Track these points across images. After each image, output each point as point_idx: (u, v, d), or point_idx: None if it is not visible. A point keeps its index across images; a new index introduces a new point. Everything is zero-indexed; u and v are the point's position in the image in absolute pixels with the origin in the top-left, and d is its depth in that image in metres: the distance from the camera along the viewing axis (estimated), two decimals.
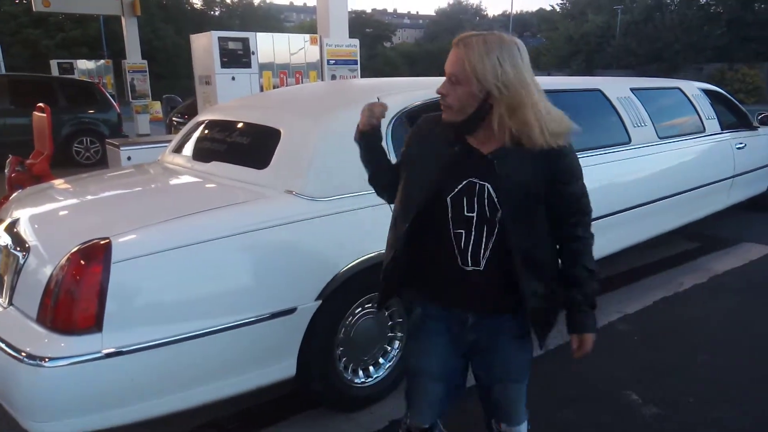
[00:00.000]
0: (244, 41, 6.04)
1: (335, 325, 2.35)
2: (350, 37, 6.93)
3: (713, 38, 30.68)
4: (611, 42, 36.27)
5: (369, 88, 3.14)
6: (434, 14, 75.37)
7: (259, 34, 6.21)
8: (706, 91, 4.91)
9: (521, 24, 63.35)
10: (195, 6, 41.70)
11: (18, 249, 2.14)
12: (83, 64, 16.28)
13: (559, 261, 1.52)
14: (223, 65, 5.89)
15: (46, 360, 1.75)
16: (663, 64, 31.43)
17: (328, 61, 6.67)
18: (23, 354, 1.78)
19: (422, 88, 2.79)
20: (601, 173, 3.28)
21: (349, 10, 7.13)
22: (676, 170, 4.06)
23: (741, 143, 4.84)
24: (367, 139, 1.58)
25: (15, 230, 2.29)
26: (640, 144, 3.78)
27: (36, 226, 2.30)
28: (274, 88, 6.27)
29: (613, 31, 36.31)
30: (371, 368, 2.55)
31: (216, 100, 5.77)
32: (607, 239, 3.22)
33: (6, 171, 4.83)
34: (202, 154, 2.94)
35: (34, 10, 11.58)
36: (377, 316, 2.51)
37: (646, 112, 3.96)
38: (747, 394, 2.63)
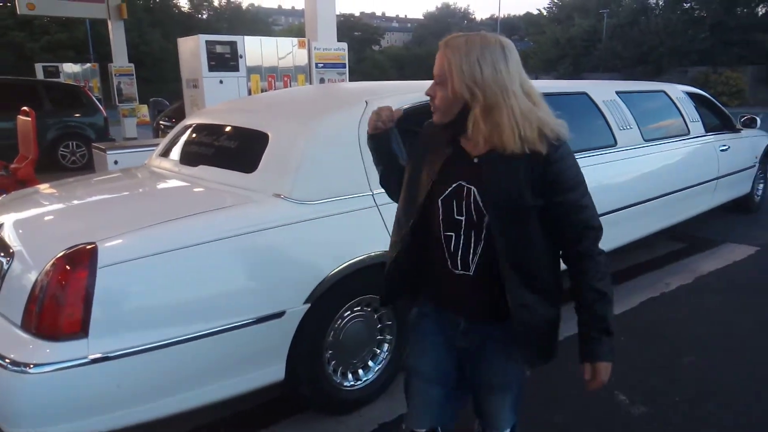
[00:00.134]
0: (232, 45, 6.02)
1: (324, 329, 2.35)
2: (338, 40, 6.94)
3: (697, 42, 31.12)
4: (597, 45, 36.67)
5: (357, 92, 3.15)
6: (422, 18, 75.79)
7: (247, 38, 6.20)
8: (690, 94, 4.98)
9: (509, 27, 63.77)
10: (182, 9, 41.56)
11: (2, 254, 2.12)
12: (69, 68, 16.14)
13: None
14: (211, 69, 5.87)
15: (31, 366, 1.74)
16: (648, 67, 31.82)
17: (316, 64, 6.67)
18: (7, 360, 1.76)
19: (411, 92, 2.80)
20: (588, 176, 3.27)
21: (338, 13, 7.16)
22: (661, 172, 4.10)
23: (724, 145, 4.91)
24: (376, 142, 1.60)
25: None
26: (626, 146, 3.82)
27: (20, 231, 2.27)
28: (262, 91, 6.26)
29: (599, 35, 36.71)
30: (360, 371, 2.55)
31: (203, 104, 5.75)
32: None
33: None
34: (189, 157, 2.93)
35: (18, 13, 11.44)
36: (366, 319, 2.52)
37: (632, 115, 4.01)
38: (732, 392, 2.66)
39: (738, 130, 5.32)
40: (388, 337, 2.61)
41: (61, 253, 1.84)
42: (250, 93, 6.16)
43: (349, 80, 7.11)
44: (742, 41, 30.05)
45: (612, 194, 3.61)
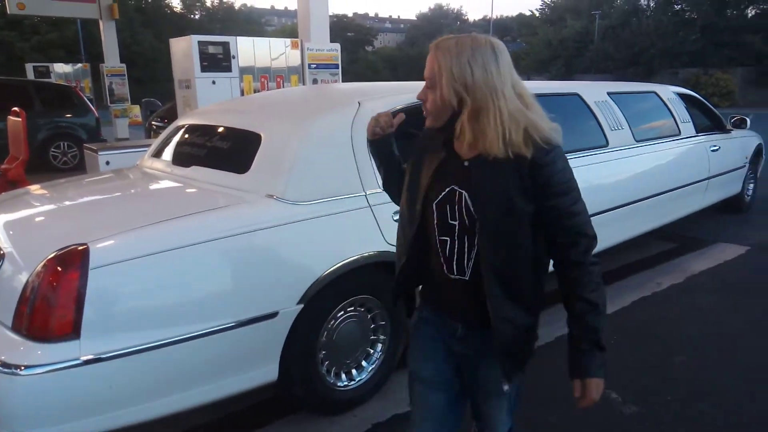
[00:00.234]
0: (225, 45, 6.00)
1: (317, 329, 2.35)
2: (331, 41, 6.93)
3: (688, 43, 31.38)
4: (589, 47, 36.88)
5: (350, 93, 3.15)
6: (415, 18, 75.87)
7: (240, 38, 6.18)
8: (681, 95, 5.01)
9: (502, 28, 63.98)
10: (175, 9, 41.38)
11: None
12: (60, 68, 16.01)
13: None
14: (203, 69, 5.84)
15: (22, 368, 1.72)
16: (640, 68, 32.06)
17: (309, 65, 6.66)
18: None
19: (404, 93, 2.81)
20: (580, 176, 3.30)
21: (331, 14, 7.14)
22: (652, 172, 4.13)
23: (715, 146, 4.95)
24: (375, 147, 1.61)
25: None
26: (618, 147, 3.85)
27: (11, 232, 2.26)
28: (254, 92, 6.25)
29: (591, 36, 36.92)
30: (354, 371, 2.55)
31: (196, 105, 5.73)
32: None
33: None
34: (182, 158, 2.92)
35: (8, 12, 11.35)
36: (359, 320, 2.52)
37: (623, 116, 4.03)
38: (723, 391, 2.68)
39: (728, 131, 5.37)
40: (382, 337, 2.61)
41: (52, 255, 1.83)
42: (242, 94, 6.15)
43: (342, 81, 7.11)
44: (732, 43, 30.34)
45: (604, 194, 3.63)
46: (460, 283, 1.40)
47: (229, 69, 6.03)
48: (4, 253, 2.07)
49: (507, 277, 1.33)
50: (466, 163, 1.36)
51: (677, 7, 34.67)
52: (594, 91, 4.01)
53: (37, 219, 2.52)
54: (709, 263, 4.48)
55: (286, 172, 2.32)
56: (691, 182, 4.57)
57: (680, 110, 4.76)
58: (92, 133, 9.64)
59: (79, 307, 1.77)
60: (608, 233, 3.72)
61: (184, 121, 3.27)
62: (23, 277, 1.86)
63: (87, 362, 1.78)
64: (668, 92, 4.85)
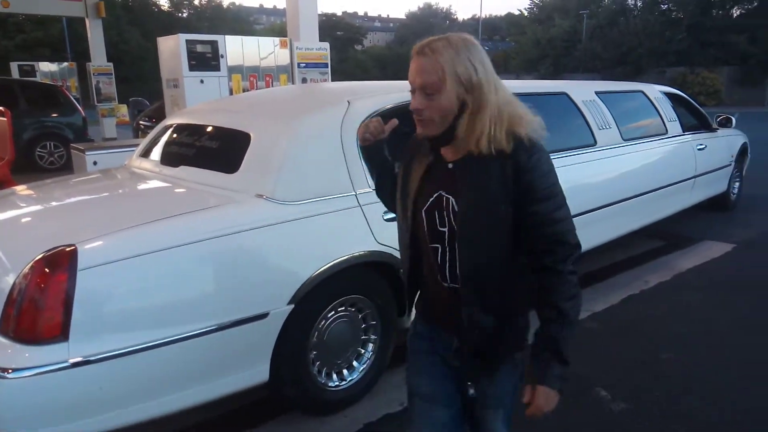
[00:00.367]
0: (213, 44, 5.97)
1: (308, 329, 2.34)
2: (321, 40, 6.92)
3: (674, 43, 31.72)
4: (578, 46, 37.15)
5: (339, 92, 3.14)
6: (405, 17, 75.86)
7: (228, 37, 6.16)
8: (668, 94, 5.07)
9: (491, 28, 64.25)
10: (162, 8, 41.05)
11: None
12: (46, 67, 15.86)
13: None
14: (191, 68, 5.81)
15: (10, 371, 1.71)
16: (627, 67, 32.36)
17: (298, 64, 6.64)
18: None
19: (394, 92, 2.81)
20: (568, 175, 3.35)
21: (320, 12, 7.13)
22: (640, 171, 4.17)
23: (701, 145, 5.01)
24: (367, 152, 1.58)
25: None
26: (605, 146, 3.88)
27: None
28: (243, 91, 6.22)
29: (579, 36, 37.18)
30: (345, 371, 2.55)
31: (184, 104, 5.70)
32: None
33: None
34: (170, 158, 2.90)
35: None
36: (350, 320, 2.52)
37: (611, 115, 4.07)
38: (711, 387, 2.71)
39: (714, 130, 5.44)
40: (373, 337, 2.61)
41: (39, 256, 1.81)
42: (231, 93, 6.12)
43: (332, 80, 7.10)
44: (718, 42, 30.72)
45: (592, 193, 3.66)
46: (453, 291, 1.36)
47: (217, 68, 6.00)
48: None
49: (482, 282, 1.30)
50: (450, 165, 1.33)
51: (664, 7, 35.03)
52: (582, 91, 4.04)
53: (24, 220, 2.49)
54: (696, 261, 4.53)
55: (275, 172, 2.31)
56: (678, 180, 4.61)
57: (667, 109, 4.81)
58: (79, 132, 9.54)
59: (68, 308, 1.76)
60: (596, 232, 3.76)
61: (173, 120, 3.25)
62: (10, 279, 1.84)
63: (75, 365, 1.76)
64: (655, 91, 4.90)
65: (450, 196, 1.31)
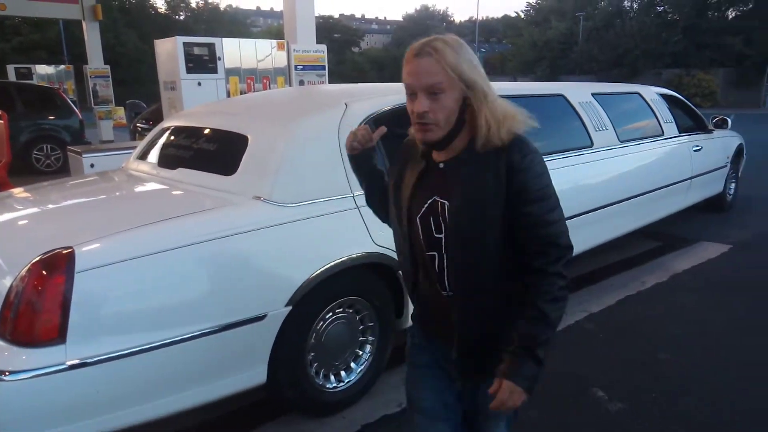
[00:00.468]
0: (210, 46, 5.98)
1: (306, 331, 2.34)
2: (318, 42, 6.93)
3: (670, 45, 31.84)
4: (574, 48, 37.27)
5: (337, 94, 3.15)
6: (402, 20, 76.01)
7: (225, 40, 6.16)
8: (664, 96, 5.09)
9: (487, 30, 64.41)
10: (159, 10, 41.06)
11: None
12: (42, 69, 15.86)
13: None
14: (189, 71, 5.82)
15: (7, 374, 1.70)
16: (624, 69, 32.44)
17: (295, 66, 6.65)
18: None
19: (391, 94, 2.82)
20: (565, 176, 3.36)
21: (317, 15, 7.15)
22: (636, 172, 4.18)
23: (697, 146, 5.03)
24: (355, 161, 1.54)
25: None
26: (602, 147, 3.89)
27: None
28: (241, 93, 6.22)
29: (575, 38, 37.30)
30: (343, 373, 2.55)
31: (182, 106, 5.70)
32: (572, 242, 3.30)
33: None
34: (168, 160, 2.90)
35: None
36: (348, 321, 2.52)
37: (607, 117, 4.08)
38: (709, 388, 2.72)
39: (710, 131, 5.46)
40: (371, 338, 2.62)
41: (37, 258, 1.81)
42: (228, 95, 6.12)
43: (329, 82, 7.11)
44: (714, 44, 30.84)
45: (589, 194, 3.67)
46: (452, 299, 1.34)
47: (214, 70, 6.01)
48: None
49: (475, 282, 1.29)
50: (441, 165, 1.31)
51: (660, 9, 35.17)
52: (579, 92, 4.05)
53: (21, 222, 2.49)
54: (692, 262, 4.55)
55: (273, 174, 2.32)
56: (674, 182, 4.63)
57: (663, 111, 4.83)
58: (76, 135, 9.53)
59: (65, 311, 1.76)
60: (593, 233, 3.77)
61: (170, 122, 3.25)
62: (7, 282, 1.84)
63: (73, 367, 1.76)
64: (651, 93, 4.91)
65: (444, 201, 1.28)
